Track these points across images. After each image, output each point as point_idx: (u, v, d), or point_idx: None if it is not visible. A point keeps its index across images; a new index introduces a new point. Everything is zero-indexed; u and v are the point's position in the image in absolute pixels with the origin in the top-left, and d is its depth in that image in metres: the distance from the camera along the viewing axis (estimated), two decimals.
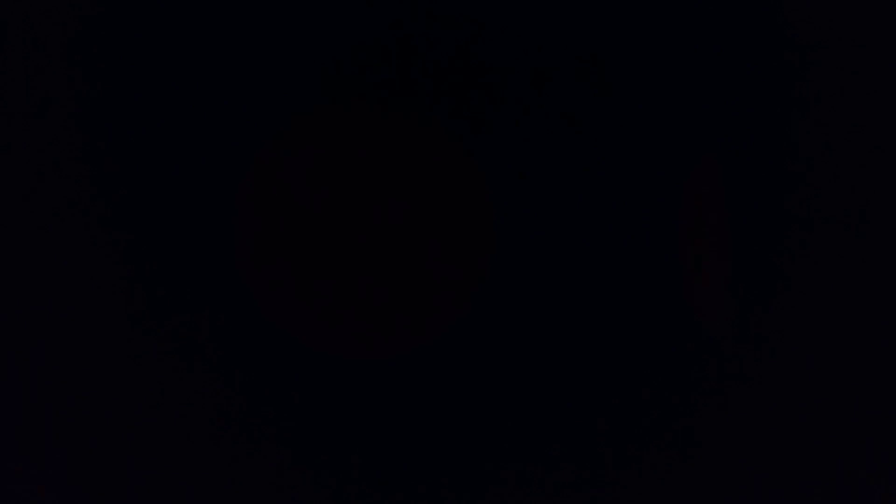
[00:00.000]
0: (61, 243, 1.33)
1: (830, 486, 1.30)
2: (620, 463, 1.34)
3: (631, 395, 1.35)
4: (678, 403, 1.33)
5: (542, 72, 1.36)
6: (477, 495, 1.34)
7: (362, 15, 1.36)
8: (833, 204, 1.33)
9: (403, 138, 1.37)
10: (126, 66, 1.33)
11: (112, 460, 1.34)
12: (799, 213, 1.33)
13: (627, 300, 1.36)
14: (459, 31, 1.35)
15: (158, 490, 1.33)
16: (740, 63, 1.34)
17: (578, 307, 1.36)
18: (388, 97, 1.37)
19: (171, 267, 1.35)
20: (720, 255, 1.34)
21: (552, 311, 1.36)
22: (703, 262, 1.34)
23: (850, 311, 1.32)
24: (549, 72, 1.35)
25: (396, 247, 1.37)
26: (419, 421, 1.36)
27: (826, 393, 1.32)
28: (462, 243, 1.37)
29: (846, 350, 1.32)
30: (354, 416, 1.36)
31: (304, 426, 1.36)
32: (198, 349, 1.35)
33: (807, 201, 1.33)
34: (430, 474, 1.35)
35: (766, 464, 1.32)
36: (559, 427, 1.35)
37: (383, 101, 1.37)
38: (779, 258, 1.34)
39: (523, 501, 1.34)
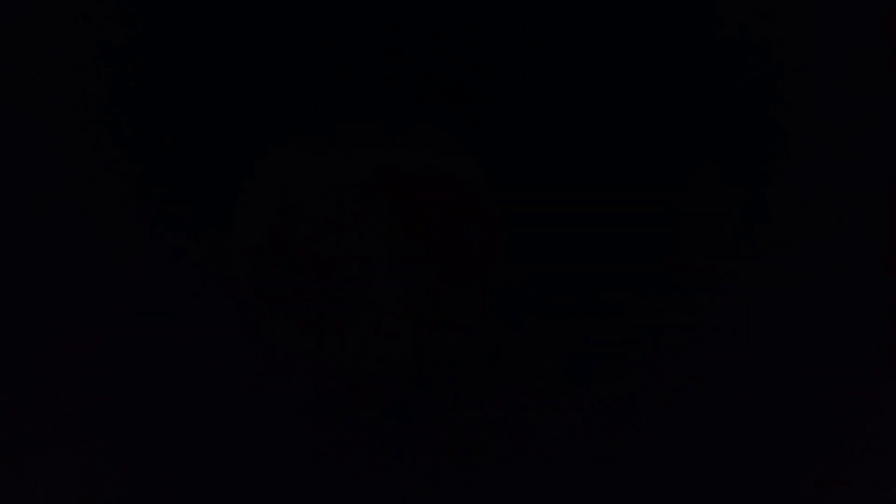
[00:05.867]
0: (61, 243, 1.33)
1: (830, 485, 1.31)
2: (619, 462, 1.34)
3: (630, 393, 1.35)
4: (677, 400, 1.34)
5: (542, 72, 1.36)
6: (477, 494, 1.35)
7: (362, 15, 1.36)
8: (832, 203, 1.33)
9: (403, 138, 1.38)
10: (127, 65, 1.34)
11: (111, 459, 1.34)
12: (799, 212, 1.33)
13: (628, 300, 1.36)
14: (459, 32, 1.35)
15: (158, 490, 1.33)
16: (740, 63, 1.34)
17: (578, 307, 1.36)
18: (387, 97, 1.37)
19: (170, 267, 1.35)
20: (720, 253, 1.34)
21: (552, 312, 1.37)
22: (703, 261, 1.35)
23: (849, 309, 1.33)
24: (549, 71, 1.36)
25: (398, 249, 1.37)
26: (421, 420, 1.36)
27: (825, 392, 1.32)
28: (464, 243, 1.37)
29: (846, 348, 1.32)
30: (355, 416, 1.36)
31: (304, 426, 1.36)
32: (200, 348, 1.35)
33: (807, 199, 1.33)
34: (430, 474, 1.35)
35: (764, 462, 1.32)
36: (558, 425, 1.36)
37: (383, 100, 1.37)
38: (778, 257, 1.34)
39: (523, 501, 1.34)
